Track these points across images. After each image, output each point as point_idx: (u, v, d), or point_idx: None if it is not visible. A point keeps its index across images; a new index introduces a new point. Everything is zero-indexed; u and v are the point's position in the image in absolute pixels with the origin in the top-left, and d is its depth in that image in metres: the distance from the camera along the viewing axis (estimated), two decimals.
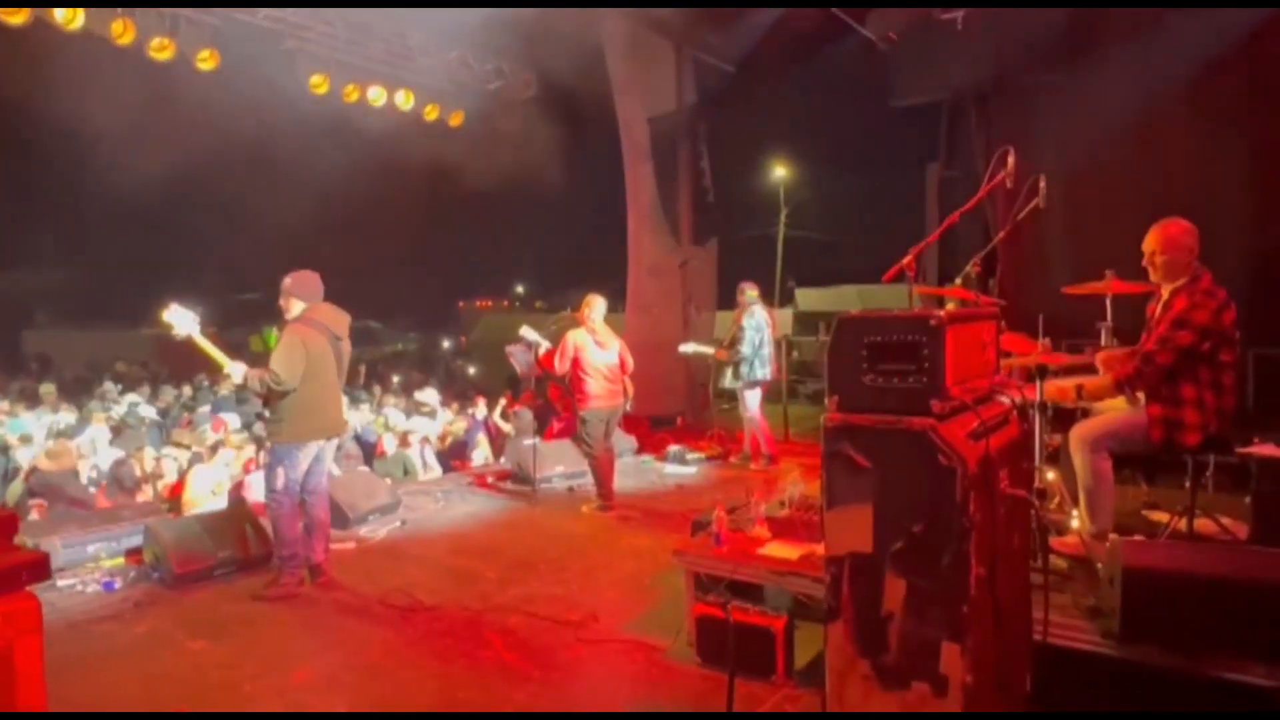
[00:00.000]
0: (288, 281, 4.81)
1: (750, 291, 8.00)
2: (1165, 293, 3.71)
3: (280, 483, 4.69)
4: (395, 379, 13.93)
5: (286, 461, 4.69)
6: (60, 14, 7.61)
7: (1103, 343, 4.37)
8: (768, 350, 7.84)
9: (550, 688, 3.57)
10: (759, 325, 7.81)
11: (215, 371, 10.78)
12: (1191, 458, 3.78)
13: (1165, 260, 3.62)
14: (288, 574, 4.70)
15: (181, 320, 4.49)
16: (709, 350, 8.24)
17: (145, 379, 13.66)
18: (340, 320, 4.90)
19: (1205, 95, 6.62)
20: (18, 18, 7.27)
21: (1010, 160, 3.65)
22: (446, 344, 18.50)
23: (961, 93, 8.31)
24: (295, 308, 4.79)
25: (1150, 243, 3.67)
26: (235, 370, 4.55)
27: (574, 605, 4.45)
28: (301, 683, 3.65)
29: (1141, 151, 6.98)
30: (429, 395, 11.94)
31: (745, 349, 7.71)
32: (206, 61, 8.72)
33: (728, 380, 7.99)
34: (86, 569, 5.01)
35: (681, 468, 8.05)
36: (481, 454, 9.15)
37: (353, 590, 4.75)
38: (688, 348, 8.37)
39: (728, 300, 11.73)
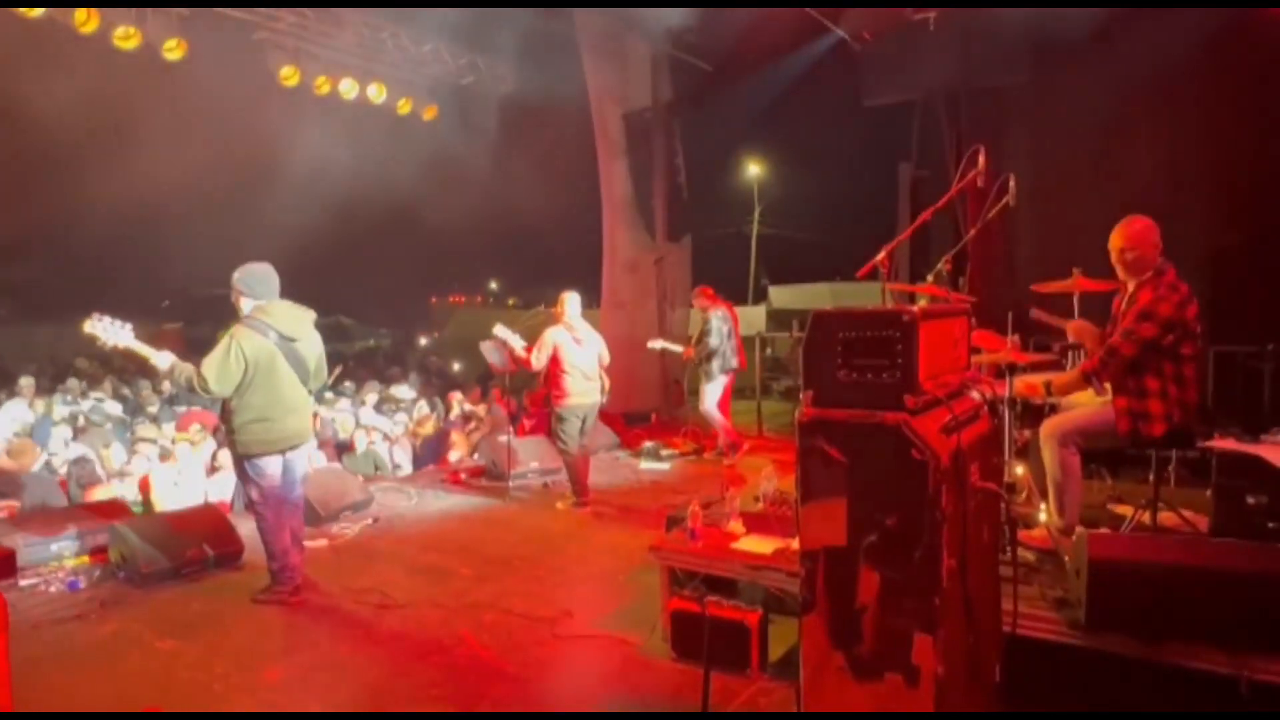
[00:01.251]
0: (236, 276, 4.46)
1: (706, 294, 8.20)
2: (1130, 287, 3.79)
3: (255, 494, 4.50)
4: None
5: (253, 473, 4.45)
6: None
7: (1070, 340, 4.45)
8: (734, 341, 8.06)
9: (525, 684, 3.57)
10: (724, 316, 8.06)
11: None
12: (1155, 452, 3.87)
13: (1134, 256, 3.70)
14: (278, 586, 4.51)
15: (108, 331, 4.24)
16: (677, 349, 8.37)
17: (107, 375, 13.40)
18: (295, 320, 4.50)
19: (1170, 97, 6.75)
20: None
21: (981, 159, 3.70)
22: (424, 341, 18.38)
23: (933, 92, 8.40)
24: (244, 306, 4.44)
25: (1117, 240, 3.74)
26: (162, 360, 4.27)
27: (548, 602, 4.45)
28: (273, 682, 3.61)
29: (1108, 151, 7.12)
30: (401, 391, 11.85)
31: (714, 340, 7.90)
32: (174, 52, 8.57)
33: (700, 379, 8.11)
34: (50, 568, 4.91)
35: (656, 464, 8.08)
36: (457, 453, 9.07)
37: (325, 589, 4.70)
38: (656, 344, 8.43)
39: None
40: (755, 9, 8.71)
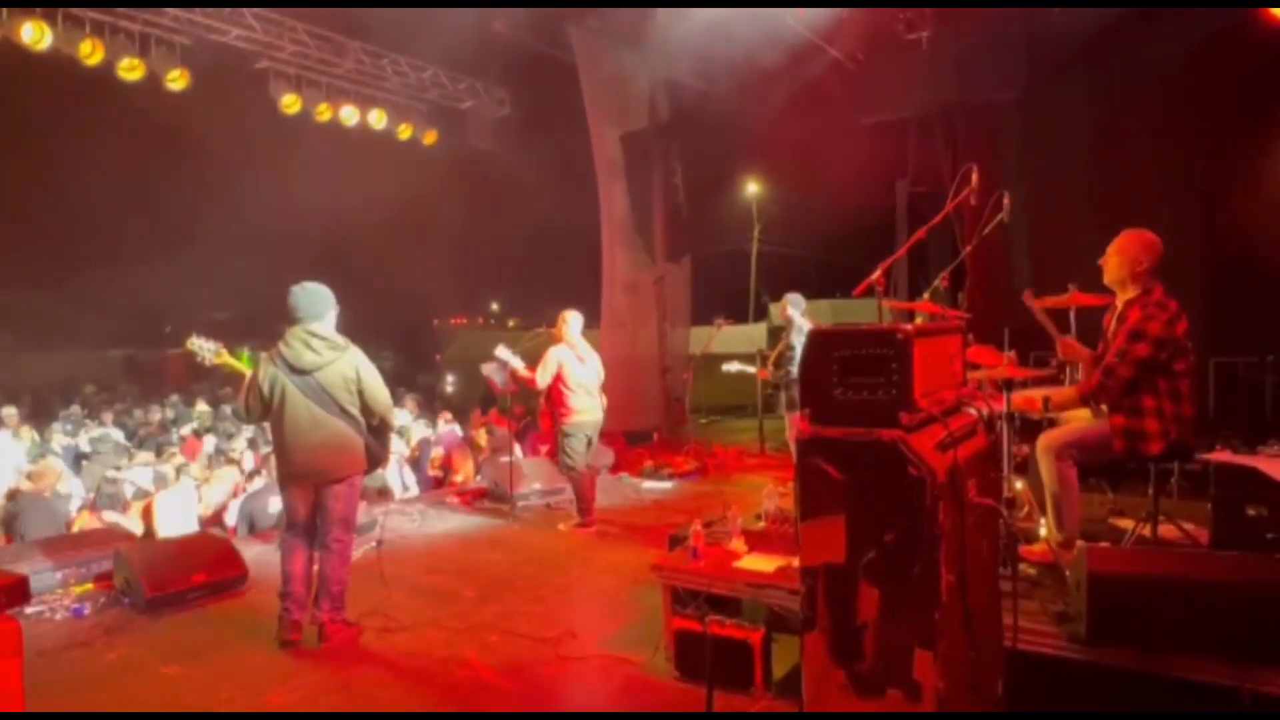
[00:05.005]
0: None
1: (799, 304, 7.03)
2: (1119, 305, 3.83)
3: (285, 521, 4.44)
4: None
5: (283, 502, 4.41)
6: (28, 34, 7.55)
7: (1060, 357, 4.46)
8: None
9: (529, 705, 3.57)
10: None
11: (189, 391, 10.66)
12: (1154, 465, 3.88)
13: (1116, 262, 3.78)
14: (281, 613, 4.27)
15: (204, 349, 4.42)
16: (752, 369, 7.75)
17: (111, 402, 13.44)
18: (307, 349, 4.21)
19: (1165, 108, 6.82)
20: None
21: (974, 177, 3.74)
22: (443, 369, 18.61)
23: (928, 110, 8.49)
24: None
25: (1113, 244, 3.80)
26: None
27: (552, 622, 4.45)
28: (278, 706, 3.61)
29: (1105, 165, 7.18)
30: (402, 416, 11.86)
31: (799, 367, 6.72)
32: (177, 81, 8.69)
33: (783, 405, 7.14)
34: (55, 595, 4.92)
35: (658, 483, 8.08)
36: (461, 475, 9.04)
37: None
38: (731, 366, 7.74)
39: (702, 316, 11.80)
40: (751, 30, 8.80)
